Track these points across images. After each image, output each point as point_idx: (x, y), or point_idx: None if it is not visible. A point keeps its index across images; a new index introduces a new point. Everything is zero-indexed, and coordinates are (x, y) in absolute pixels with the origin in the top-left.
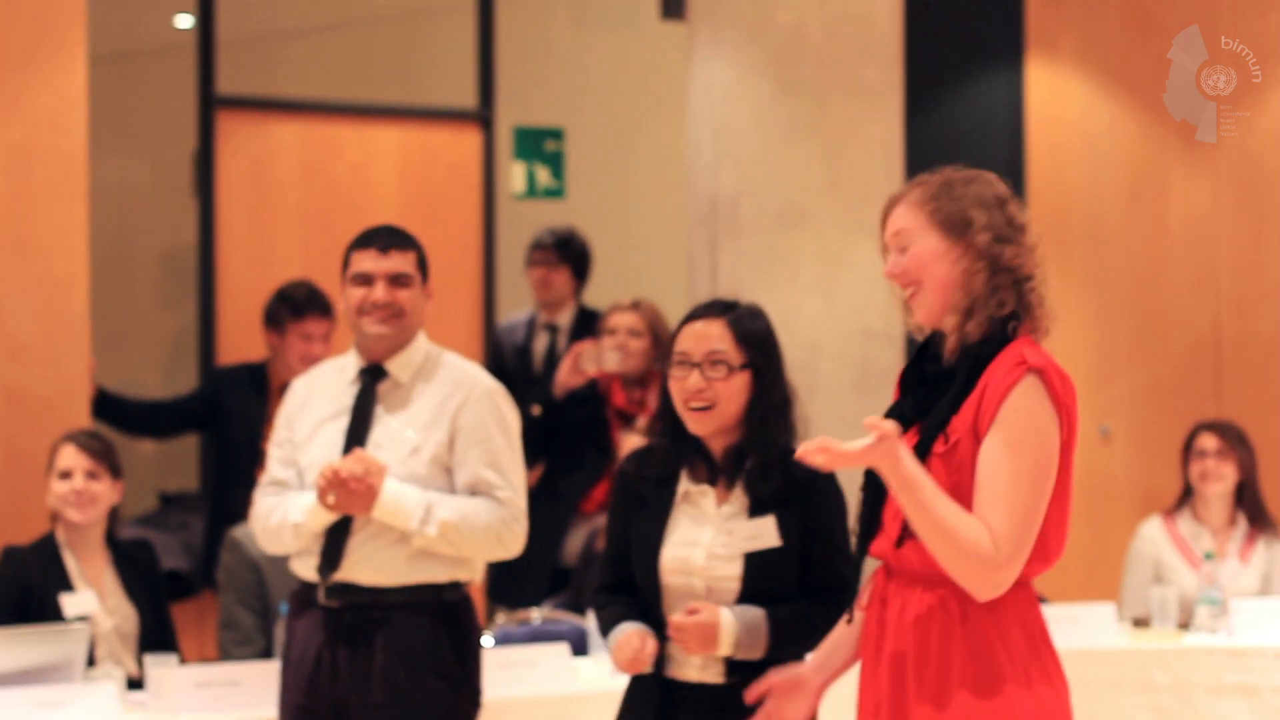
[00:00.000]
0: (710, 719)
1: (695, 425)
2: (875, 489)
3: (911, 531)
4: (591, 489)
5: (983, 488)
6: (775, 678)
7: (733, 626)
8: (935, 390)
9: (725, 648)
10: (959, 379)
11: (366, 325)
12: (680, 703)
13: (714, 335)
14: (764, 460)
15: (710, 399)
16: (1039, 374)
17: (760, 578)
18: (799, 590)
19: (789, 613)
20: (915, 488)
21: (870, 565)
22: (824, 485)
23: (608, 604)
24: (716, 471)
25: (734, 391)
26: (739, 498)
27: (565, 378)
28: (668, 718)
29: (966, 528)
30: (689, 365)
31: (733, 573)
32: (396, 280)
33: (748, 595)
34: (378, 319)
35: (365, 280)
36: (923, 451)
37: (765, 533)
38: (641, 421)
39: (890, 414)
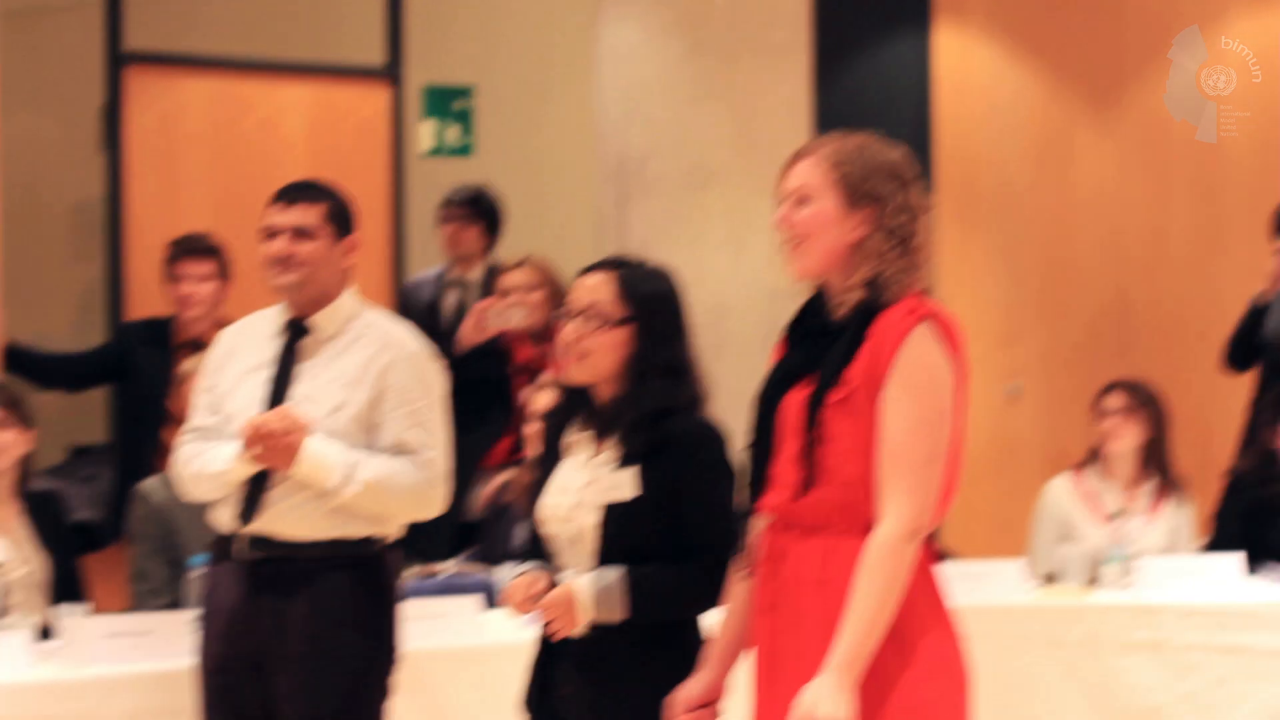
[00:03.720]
0: (580, 672)
1: (569, 374)
2: (762, 445)
3: (812, 481)
4: (494, 444)
5: (884, 442)
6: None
7: (588, 589)
8: (821, 342)
9: (585, 612)
10: (850, 330)
11: (270, 278)
12: (561, 656)
13: (598, 288)
14: (635, 417)
15: (584, 350)
16: (930, 320)
17: (615, 529)
18: (673, 549)
19: (648, 574)
20: (861, 656)
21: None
22: (698, 444)
23: (526, 557)
24: (601, 422)
25: (609, 345)
26: (612, 449)
27: (469, 335)
28: (547, 671)
29: (879, 572)
30: (570, 315)
31: (592, 522)
32: (297, 233)
33: (605, 546)
34: (276, 272)
35: (270, 234)
36: (818, 401)
37: (624, 484)
38: (548, 376)
39: (776, 370)
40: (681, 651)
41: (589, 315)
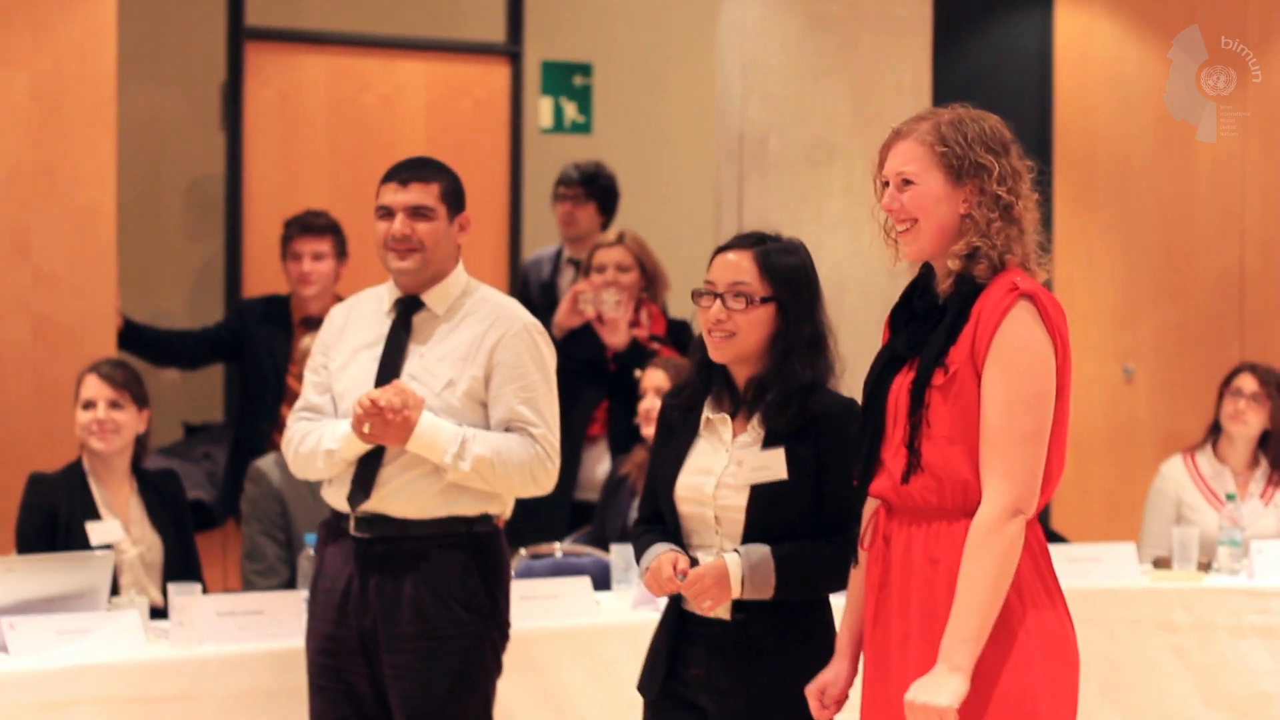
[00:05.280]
0: (717, 654)
1: (714, 352)
2: (874, 428)
3: (916, 467)
4: (594, 411)
5: (984, 423)
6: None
7: (739, 566)
8: (926, 325)
9: (735, 589)
10: (951, 311)
11: (388, 260)
12: (694, 637)
13: (740, 266)
14: (782, 394)
15: (730, 329)
16: (1030, 299)
17: (765, 510)
18: (815, 526)
19: (795, 550)
20: (973, 640)
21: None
22: (842, 421)
23: (643, 534)
24: (738, 401)
25: (754, 323)
26: (755, 429)
27: (563, 319)
28: (681, 651)
29: (983, 555)
30: (712, 295)
31: (739, 503)
32: (415, 213)
33: (752, 527)
34: (396, 253)
35: (387, 214)
36: (921, 385)
37: (774, 465)
38: (659, 354)
39: (882, 354)
40: (815, 632)
41: (733, 295)
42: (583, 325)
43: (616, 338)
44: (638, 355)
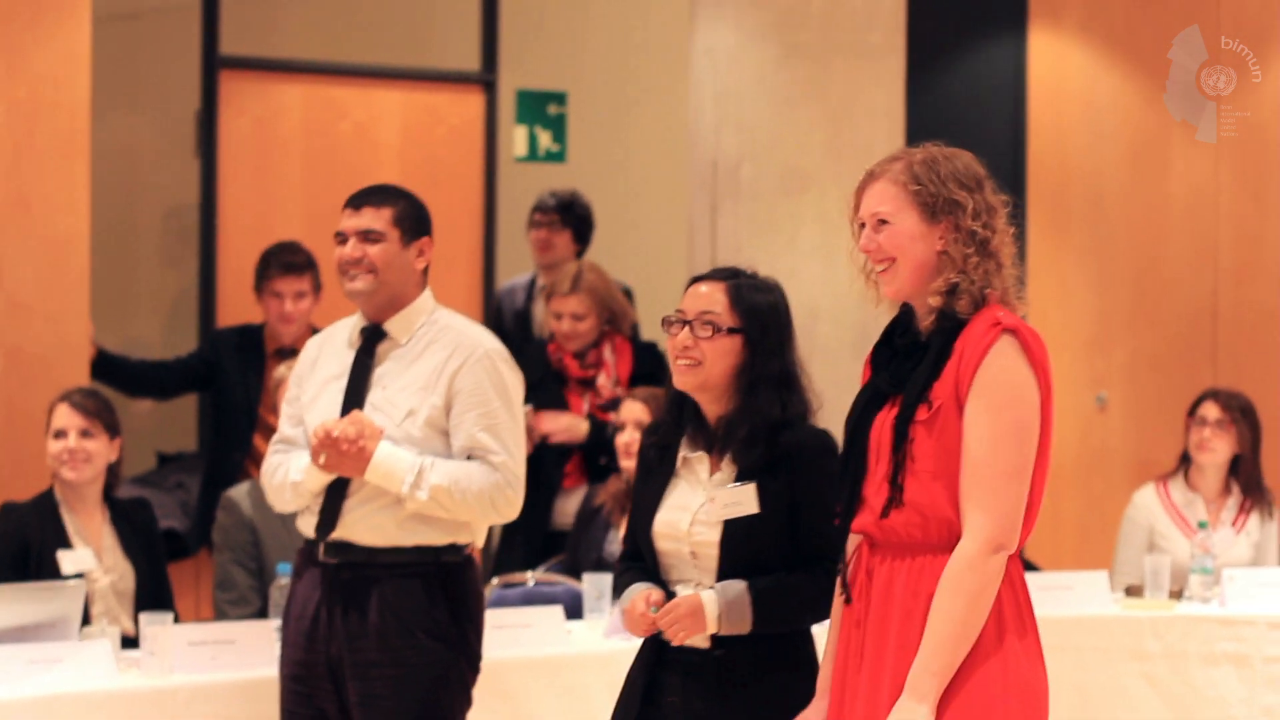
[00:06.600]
0: (696, 683)
1: (678, 379)
2: (856, 466)
3: (898, 502)
4: (565, 465)
5: (967, 457)
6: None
7: (715, 603)
8: (908, 362)
9: (711, 625)
10: (934, 347)
11: (343, 283)
12: (672, 665)
13: (711, 297)
14: (750, 430)
15: (696, 357)
16: (1013, 334)
17: (739, 545)
18: (792, 559)
19: (771, 584)
20: (941, 672)
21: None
22: (815, 455)
23: (624, 571)
24: (710, 438)
25: (720, 353)
26: (729, 466)
27: None
28: (659, 679)
29: (959, 589)
30: (681, 322)
31: (713, 538)
32: (365, 236)
33: (727, 562)
34: (346, 277)
35: (341, 239)
36: (905, 420)
37: (745, 500)
38: (602, 379)
39: (864, 391)
40: (797, 664)
41: (701, 323)
42: (551, 378)
43: (574, 435)
44: (600, 432)
